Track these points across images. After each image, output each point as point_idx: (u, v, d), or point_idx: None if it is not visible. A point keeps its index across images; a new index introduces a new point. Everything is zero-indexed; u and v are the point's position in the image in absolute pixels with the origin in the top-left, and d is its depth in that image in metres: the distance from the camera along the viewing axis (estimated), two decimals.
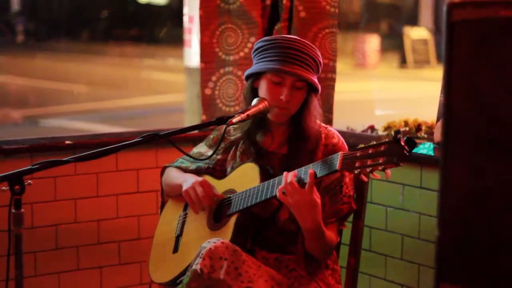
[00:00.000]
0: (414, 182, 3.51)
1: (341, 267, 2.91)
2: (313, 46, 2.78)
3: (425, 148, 3.53)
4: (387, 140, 2.38)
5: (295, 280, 2.69)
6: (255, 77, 2.80)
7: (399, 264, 3.61)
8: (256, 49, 2.81)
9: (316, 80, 2.76)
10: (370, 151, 2.40)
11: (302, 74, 2.70)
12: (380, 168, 2.37)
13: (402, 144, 2.33)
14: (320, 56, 2.78)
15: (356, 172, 2.43)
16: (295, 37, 2.80)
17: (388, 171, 2.39)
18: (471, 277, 1.57)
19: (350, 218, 2.88)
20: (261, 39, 2.83)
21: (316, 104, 2.80)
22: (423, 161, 3.45)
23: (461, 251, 1.58)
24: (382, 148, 2.37)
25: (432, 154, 3.45)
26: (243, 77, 2.88)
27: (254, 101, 2.73)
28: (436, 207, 1.62)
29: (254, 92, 2.81)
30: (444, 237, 1.59)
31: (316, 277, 2.73)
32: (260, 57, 2.78)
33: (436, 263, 1.61)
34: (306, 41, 2.78)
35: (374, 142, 2.41)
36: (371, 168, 2.39)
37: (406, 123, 3.89)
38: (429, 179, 3.45)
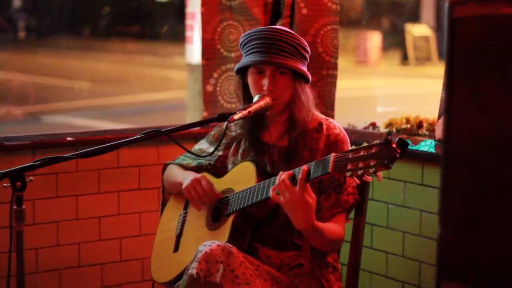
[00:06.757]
0: (416, 179, 3.51)
1: (342, 264, 2.91)
2: (294, 33, 2.76)
3: (426, 145, 3.53)
4: (378, 142, 2.35)
5: (296, 277, 2.69)
6: (242, 72, 2.81)
7: (400, 261, 3.61)
8: (240, 44, 2.82)
9: (299, 66, 2.73)
10: (361, 153, 2.37)
11: (279, 62, 2.69)
12: (371, 171, 2.35)
13: (394, 146, 2.31)
14: (302, 41, 2.76)
15: (348, 174, 2.42)
16: (273, 27, 2.79)
17: (380, 173, 2.37)
18: (472, 275, 1.57)
19: (352, 214, 2.88)
20: (243, 34, 2.83)
21: (306, 94, 2.78)
22: (424, 158, 3.45)
23: (462, 249, 1.58)
24: (373, 150, 2.35)
25: (434, 151, 3.45)
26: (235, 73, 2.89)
27: (256, 98, 2.73)
28: (437, 204, 1.62)
29: (246, 88, 2.82)
30: (446, 234, 1.59)
31: (316, 274, 2.73)
32: (244, 51, 2.79)
33: (437, 261, 1.61)
34: (286, 29, 2.77)
35: (366, 144, 2.39)
36: (362, 171, 2.37)
37: (407, 120, 3.89)
38: (430, 176, 3.45)
